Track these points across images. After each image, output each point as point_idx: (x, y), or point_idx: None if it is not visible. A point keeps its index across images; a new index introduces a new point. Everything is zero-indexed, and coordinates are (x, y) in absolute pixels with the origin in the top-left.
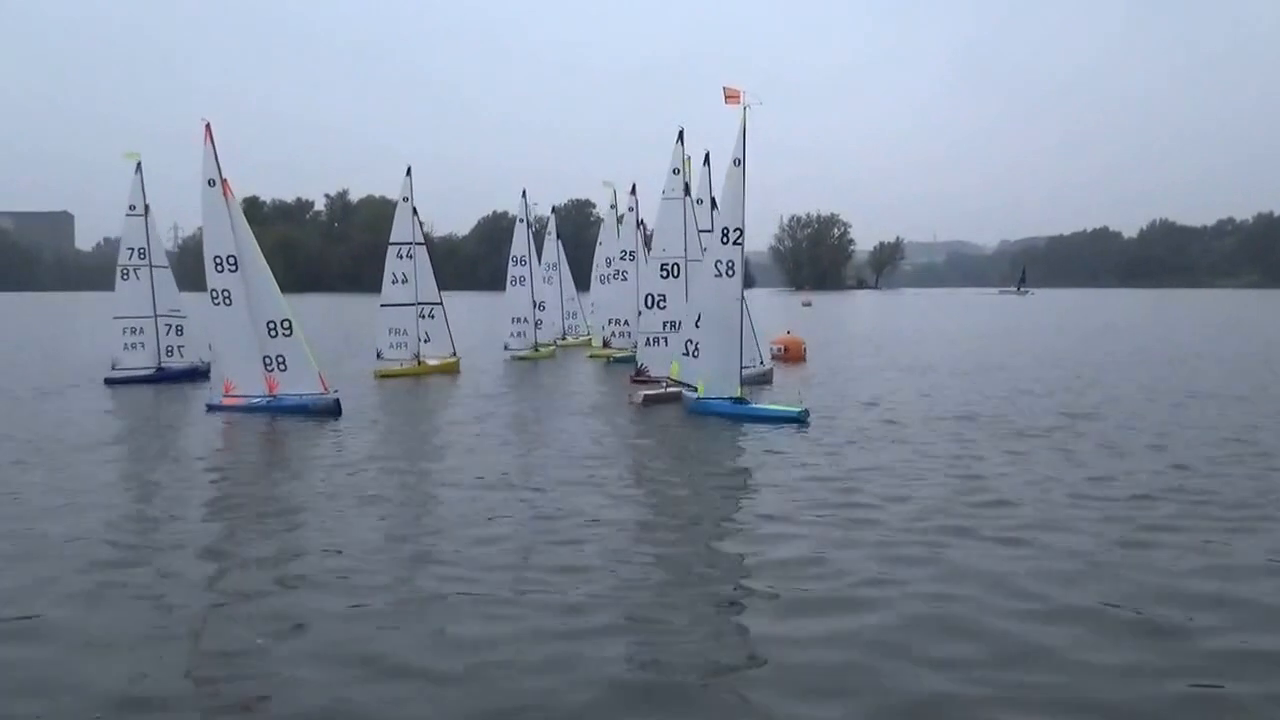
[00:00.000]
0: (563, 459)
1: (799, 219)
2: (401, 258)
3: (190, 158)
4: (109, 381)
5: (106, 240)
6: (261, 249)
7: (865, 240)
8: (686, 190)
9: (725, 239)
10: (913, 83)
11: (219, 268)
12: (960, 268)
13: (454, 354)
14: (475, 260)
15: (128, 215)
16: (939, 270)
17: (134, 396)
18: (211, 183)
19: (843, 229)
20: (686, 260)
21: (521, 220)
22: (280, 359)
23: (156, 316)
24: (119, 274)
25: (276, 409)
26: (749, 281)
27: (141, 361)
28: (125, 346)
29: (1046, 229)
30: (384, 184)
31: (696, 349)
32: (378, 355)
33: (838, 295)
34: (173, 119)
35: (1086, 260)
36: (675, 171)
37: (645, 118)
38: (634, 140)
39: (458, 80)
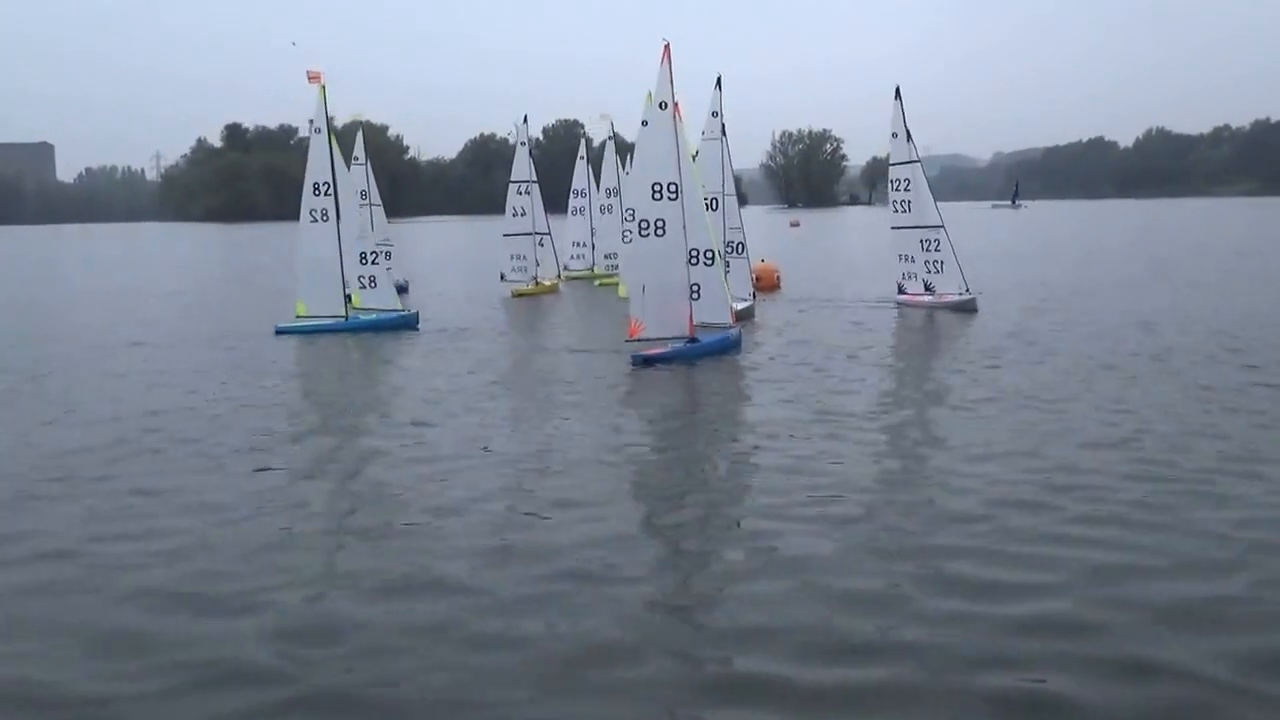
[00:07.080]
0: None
1: (790, 135)
2: (520, 194)
3: (175, 92)
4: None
5: (88, 171)
6: (248, 176)
7: (858, 156)
8: (723, 132)
9: None
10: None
11: (657, 195)
12: (954, 181)
13: (559, 275)
14: (464, 183)
15: (353, 164)
16: (933, 184)
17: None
18: (663, 105)
19: (835, 144)
20: (724, 195)
21: (582, 158)
22: (695, 287)
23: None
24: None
25: (693, 355)
26: (740, 200)
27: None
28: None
29: (1041, 141)
30: (367, 110)
31: None
32: (501, 278)
33: (830, 213)
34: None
35: (1082, 171)
36: (714, 114)
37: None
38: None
39: (436, 5)
